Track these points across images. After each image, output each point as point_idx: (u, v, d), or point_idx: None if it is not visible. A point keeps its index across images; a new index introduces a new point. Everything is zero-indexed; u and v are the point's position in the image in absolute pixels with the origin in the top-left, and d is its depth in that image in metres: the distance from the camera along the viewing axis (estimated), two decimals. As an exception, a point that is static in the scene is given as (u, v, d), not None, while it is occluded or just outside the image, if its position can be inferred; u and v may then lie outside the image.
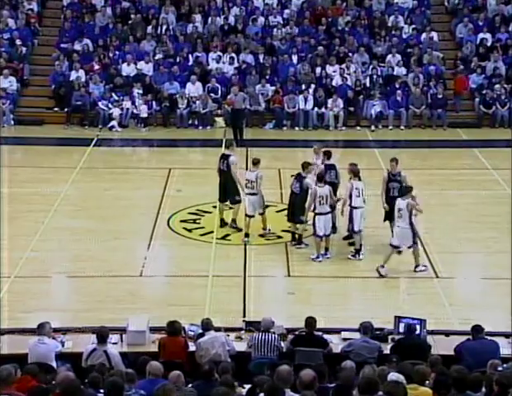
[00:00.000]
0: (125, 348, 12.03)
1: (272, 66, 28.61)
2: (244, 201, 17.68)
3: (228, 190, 17.99)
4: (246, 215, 17.57)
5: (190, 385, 9.63)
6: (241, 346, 12.12)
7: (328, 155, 17.75)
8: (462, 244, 17.51)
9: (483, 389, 8.96)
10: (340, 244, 17.27)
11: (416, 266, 15.99)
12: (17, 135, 25.94)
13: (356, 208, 16.46)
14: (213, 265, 16.30)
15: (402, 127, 27.31)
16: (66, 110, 27.17)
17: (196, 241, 17.68)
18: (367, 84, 28.19)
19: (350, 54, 28.90)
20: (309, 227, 16.87)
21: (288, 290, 15.45)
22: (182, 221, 18.70)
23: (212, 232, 18.00)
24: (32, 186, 20.74)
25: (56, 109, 27.57)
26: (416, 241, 15.95)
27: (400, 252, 16.25)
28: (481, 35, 29.61)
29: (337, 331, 12.72)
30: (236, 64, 28.76)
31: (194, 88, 27.61)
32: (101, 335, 11.18)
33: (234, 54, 28.92)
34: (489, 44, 29.44)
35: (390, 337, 12.35)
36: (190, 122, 27.40)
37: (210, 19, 30.22)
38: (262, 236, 17.72)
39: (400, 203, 15.72)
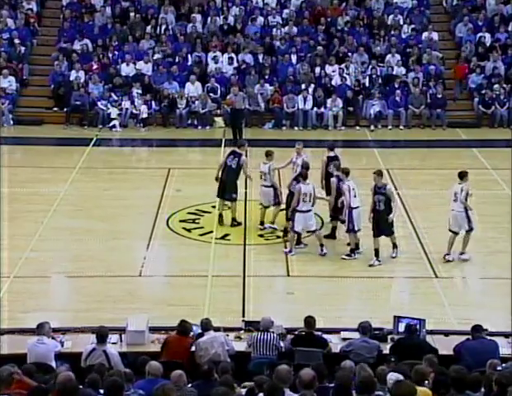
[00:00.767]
0: (124, 348, 12.03)
1: (272, 66, 28.61)
2: (259, 194, 18.14)
3: (227, 188, 18.06)
4: (261, 205, 17.97)
5: (189, 385, 9.63)
6: (240, 346, 12.13)
7: (330, 148, 18.36)
8: (461, 244, 17.47)
9: (482, 389, 8.96)
10: (339, 244, 17.26)
11: (462, 254, 16.43)
12: (17, 135, 25.91)
13: (354, 208, 16.48)
14: (212, 265, 16.31)
15: (401, 127, 27.31)
16: (65, 110, 27.16)
17: (195, 241, 17.68)
18: (367, 84, 28.20)
19: (349, 54, 28.90)
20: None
21: (287, 290, 15.45)
22: (181, 221, 18.70)
23: (212, 232, 18.01)
24: (31, 186, 20.73)
25: (55, 109, 27.56)
26: (472, 227, 16.23)
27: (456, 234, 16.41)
28: (480, 35, 29.63)
29: (336, 331, 12.71)
30: (235, 64, 28.77)
31: (193, 88, 27.62)
32: (101, 335, 11.18)
33: (233, 54, 28.92)
34: (488, 43, 29.45)
35: (389, 336, 12.36)
36: (189, 122, 27.40)
37: (209, 19, 30.22)
38: (261, 236, 17.73)
39: (456, 187, 16.13)
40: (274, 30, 29.86)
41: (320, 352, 11.61)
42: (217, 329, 12.00)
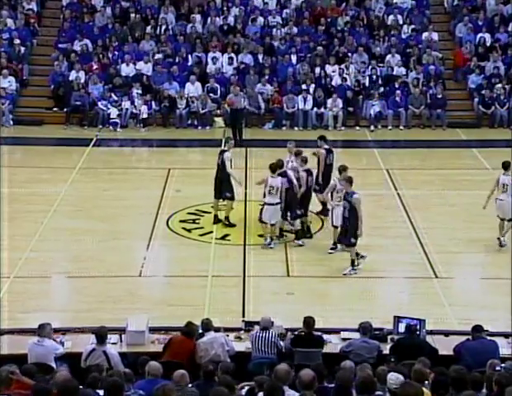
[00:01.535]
0: (124, 348, 12.02)
1: (272, 66, 28.60)
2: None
3: (222, 187, 18.11)
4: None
5: (190, 385, 9.62)
6: (241, 346, 12.13)
7: (324, 139, 18.93)
8: (461, 244, 17.50)
9: (484, 390, 8.96)
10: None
11: (500, 238, 17.16)
12: (16, 135, 25.89)
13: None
14: (212, 265, 16.31)
15: (401, 127, 27.31)
16: (65, 110, 27.16)
17: (195, 241, 17.68)
18: (367, 84, 28.19)
19: (349, 54, 28.89)
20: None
21: (287, 290, 15.43)
22: (181, 221, 18.70)
23: (211, 232, 18.01)
24: (31, 187, 20.73)
25: (55, 109, 27.56)
26: None
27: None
28: (480, 35, 29.63)
29: (336, 331, 12.72)
30: (235, 64, 28.77)
31: (193, 88, 27.62)
32: (100, 335, 11.17)
33: (233, 54, 28.92)
34: (488, 44, 29.45)
35: (389, 337, 12.36)
36: (189, 122, 27.40)
37: (209, 19, 30.22)
38: (261, 236, 17.68)
39: (505, 178, 17.11)
40: (274, 30, 29.86)
41: (319, 352, 11.61)
42: (217, 329, 12.00)
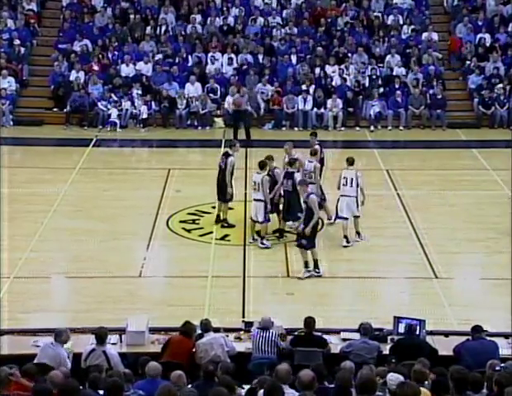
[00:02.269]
0: (124, 348, 12.02)
1: (272, 66, 28.61)
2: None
3: (222, 188, 18.09)
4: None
5: (189, 385, 9.62)
6: (241, 347, 12.12)
7: (315, 135, 19.13)
8: (461, 244, 17.51)
9: (484, 390, 8.96)
10: (338, 244, 17.26)
11: None
12: (16, 136, 25.89)
13: (342, 196, 16.95)
14: (212, 265, 16.30)
15: (401, 127, 27.32)
16: (65, 110, 27.17)
17: (195, 241, 17.68)
18: (367, 84, 28.20)
19: (349, 55, 28.90)
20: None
21: (287, 291, 15.43)
22: (181, 221, 18.69)
23: (211, 232, 18.00)
24: (31, 187, 20.74)
25: (55, 109, 27.59)
26: None
27: None
28: (480, 36, 29.64)
29: (336, 331, 12.71)
30: (235, 65, 28.78)
31: (193, 89, 27.62)
32: (100, 335, 11.16)
33: (233, 55, 28.93)
34: (488, 44, 29.46)
35: (389, 337, 12.35)
36: (189, 122, 27.41)
37: (209, 19, 30.23)
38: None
39: None
40: (274, 30, 29.87)
41: (319, 353, 11.61)
42: (217, 330, 12.00)
